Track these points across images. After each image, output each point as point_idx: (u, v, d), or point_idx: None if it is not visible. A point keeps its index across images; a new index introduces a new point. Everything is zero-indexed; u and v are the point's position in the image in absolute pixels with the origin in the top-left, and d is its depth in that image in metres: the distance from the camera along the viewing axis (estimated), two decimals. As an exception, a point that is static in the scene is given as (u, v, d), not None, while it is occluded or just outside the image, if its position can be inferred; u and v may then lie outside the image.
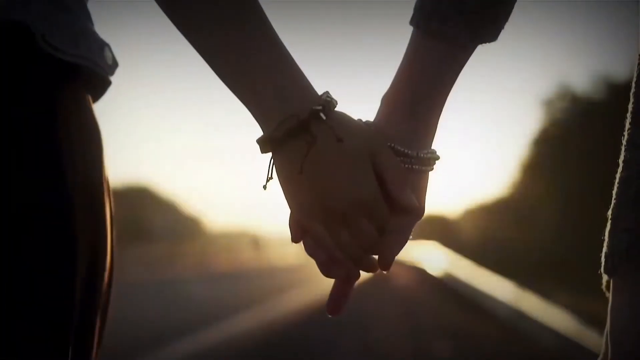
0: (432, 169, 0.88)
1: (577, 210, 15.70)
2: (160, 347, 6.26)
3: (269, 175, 0.84)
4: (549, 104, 19.36)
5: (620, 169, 0.83)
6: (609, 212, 0.84)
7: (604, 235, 0.84)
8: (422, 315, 9.18)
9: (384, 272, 0.87)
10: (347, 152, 0.81)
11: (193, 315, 8.80)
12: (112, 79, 0.92)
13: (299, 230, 0.86)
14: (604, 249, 0.83)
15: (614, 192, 0.84)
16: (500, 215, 23.58)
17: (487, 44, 0.88)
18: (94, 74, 0.87)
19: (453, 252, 25.14)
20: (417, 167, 0.86)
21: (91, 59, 0.85)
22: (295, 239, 0.86)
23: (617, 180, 0.83)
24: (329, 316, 0.89)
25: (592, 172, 13.89)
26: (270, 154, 0.84)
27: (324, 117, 0.80)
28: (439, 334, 7.25)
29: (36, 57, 0.79)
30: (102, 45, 0.88)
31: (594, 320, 6.19)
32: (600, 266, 0.84)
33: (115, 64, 0.91)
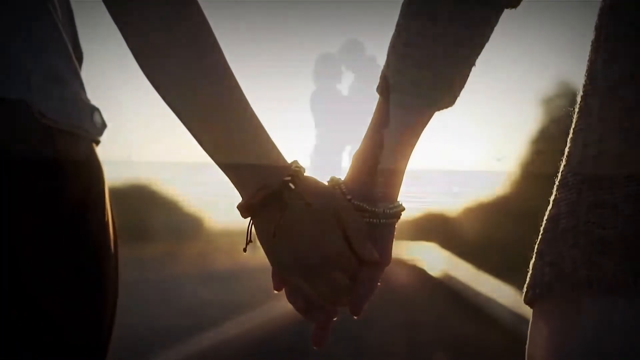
0: (397, 220, 0.98)
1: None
2: (160, 347, 6.26)
3: (249, 238, 0.95)
4: (548, 102, 19.41)
5: (550, 207, 0.91)
6: (535, 246, 0.92)
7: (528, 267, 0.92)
8: (421, 315, 9.20)
9: (355, 317, 0.97)
10: (315, 215, 0.92)
11: (193, 314, 8.81)
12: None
13: (280, 281, 0.97)
14: (527, 281, 0.92)
15: (541, 228, 0.91)
16: (500, 215, 23.61)
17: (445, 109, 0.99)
18: (81, 137, 0.95)
19: (452, 252, 25.15)
20: (383, 221, 0.97)
21: (81, 127, 0.94)
22: (277, 288, 0.98)
23: (545, 217, 0.91)
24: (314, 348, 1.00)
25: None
26: (249, 219, 0.94)
27: (293, 186, 0.91)
28: (438, 336, 7.26)
29: (35, 126, 0.88)
30: (92, 111, 0.97)
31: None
32: (523, 294, 0.95)
33: (104, 126, 1.00)
